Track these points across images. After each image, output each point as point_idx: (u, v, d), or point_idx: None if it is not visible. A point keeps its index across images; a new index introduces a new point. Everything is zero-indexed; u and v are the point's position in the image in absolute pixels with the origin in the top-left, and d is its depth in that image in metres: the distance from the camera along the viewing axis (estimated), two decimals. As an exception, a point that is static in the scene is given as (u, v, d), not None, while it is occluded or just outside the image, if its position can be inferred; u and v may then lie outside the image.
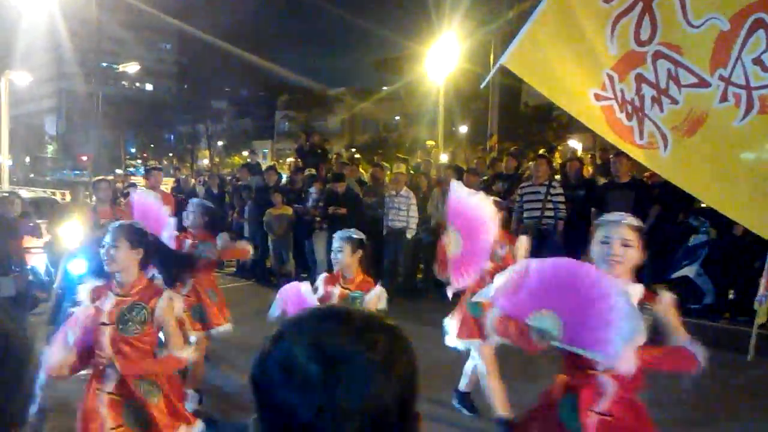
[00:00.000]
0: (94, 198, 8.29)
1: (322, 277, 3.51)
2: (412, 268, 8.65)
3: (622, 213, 2.27)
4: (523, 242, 3.83)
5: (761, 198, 2.46)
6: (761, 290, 3.58)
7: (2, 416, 0.80)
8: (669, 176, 2.73)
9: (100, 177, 8.76)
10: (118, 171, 28.22)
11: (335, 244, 3.39)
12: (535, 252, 4.70)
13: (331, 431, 0.73)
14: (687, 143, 2.58)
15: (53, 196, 13.13)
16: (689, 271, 6.61)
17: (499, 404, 3.76)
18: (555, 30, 2.80)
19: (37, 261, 7.04)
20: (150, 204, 4.20)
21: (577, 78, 2.78)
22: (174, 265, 2.90)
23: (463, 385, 4.26)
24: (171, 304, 2.69)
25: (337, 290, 3.35)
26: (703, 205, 6.77)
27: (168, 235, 3.96)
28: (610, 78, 2.73)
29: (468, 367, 4.19)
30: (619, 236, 2.18)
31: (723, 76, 2.45)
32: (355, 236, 3.40)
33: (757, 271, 6.39)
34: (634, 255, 2.19)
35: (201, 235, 4.42)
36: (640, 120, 2.68)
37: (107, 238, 2.72)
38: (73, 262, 5.53)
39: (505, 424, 3.71)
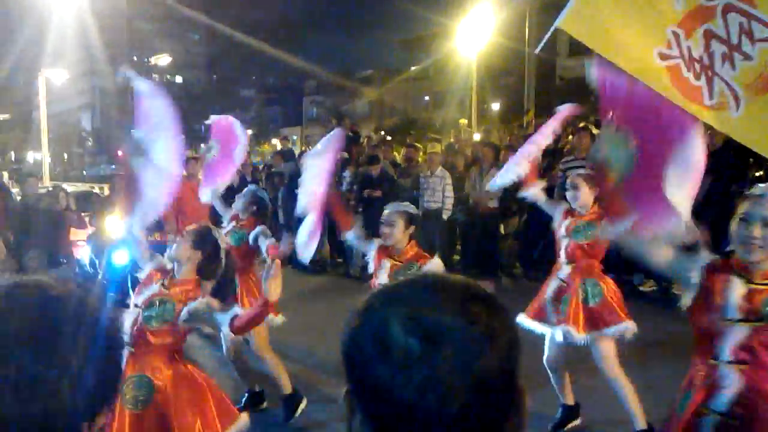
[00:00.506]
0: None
1: (375, 247, 3.32)
2: (449, 249, 8.53)
3: None
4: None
5: None
6: None
7: (95, 396, 0.81)
8: (740, 138, 2.53)
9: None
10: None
11: (386, 217, 3.21)
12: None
13: (434, 409, 0.66)
14: (761, 101, 2.39)
15: (94, 190, 13.44)
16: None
17: (566, 395, 3.67)
18: None
19: (82, 253, 7.19)
20: (229, 126, 4.85)
21: (639, 37, 2.59)
22: (219, 283, 2.78)
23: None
24: (205, 307, 2.59)
25: (388, 263, 3.18)
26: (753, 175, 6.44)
27: (240, 153, 4.77)
28: (676, 35, 2.53)
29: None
30: (762, 215, 1.81)
31: (801, 28, 2.25)
32: (409, 210, 3.25)
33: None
34: None
35: (245, 222, 4.41)
36: (709, 79, 2.48)
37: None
38: (116, 254, 5.62)
39: (569, 409, 3.68)
